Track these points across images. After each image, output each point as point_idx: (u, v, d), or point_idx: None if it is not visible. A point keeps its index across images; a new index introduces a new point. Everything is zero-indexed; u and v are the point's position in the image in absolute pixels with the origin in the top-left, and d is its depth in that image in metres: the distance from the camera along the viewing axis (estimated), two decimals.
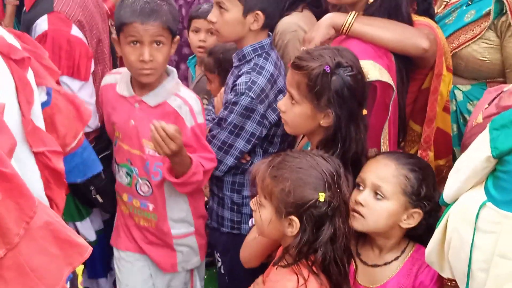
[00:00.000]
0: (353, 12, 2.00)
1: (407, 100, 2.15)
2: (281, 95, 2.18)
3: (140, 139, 2.18)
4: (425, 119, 2.14)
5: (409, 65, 2.09)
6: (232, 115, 2.18)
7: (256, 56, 2.23)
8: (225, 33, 2.24)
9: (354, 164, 1.79)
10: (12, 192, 1.11)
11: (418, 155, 2.15)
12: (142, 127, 2.15)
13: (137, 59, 2.06)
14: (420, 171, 1.77)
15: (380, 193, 1.72)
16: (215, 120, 2.29)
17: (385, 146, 2.01)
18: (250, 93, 2.15)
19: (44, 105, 1.57)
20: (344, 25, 2.00)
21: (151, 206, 2.25)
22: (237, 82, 2.20)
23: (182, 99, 2.17)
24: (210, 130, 2.29)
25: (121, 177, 2.29)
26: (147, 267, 2.36)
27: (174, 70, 2.23)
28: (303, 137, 2.09)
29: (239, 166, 2.28)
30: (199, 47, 2.96)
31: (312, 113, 1.78)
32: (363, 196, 1.73)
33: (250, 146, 2.22)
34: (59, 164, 1.56)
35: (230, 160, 2.23)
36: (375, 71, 1.90)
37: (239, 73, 2.24)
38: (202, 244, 2.37)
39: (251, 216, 2.17)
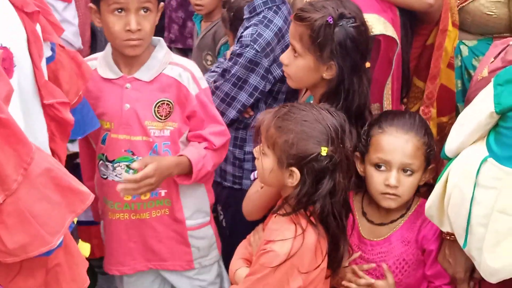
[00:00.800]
0: None
1: (411, 56, 2.13)
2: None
3: (142, 122, 1.93)
4: (429, 75, 2.12)
5: (413, 20, 2.06)
6: (236, 66, 2.16)
7: (266, 9, 2.20)
8: None
9: (357, 117, 1.78)
10: (9, 138, 1.10)
11: (421, 111, 2.13)
12: (141, 108, 1.93)
13: (123, 28, 1.84)
14: (428, 128, 1.77)
15: (409, 169, 1.70)
16: (220, 72, 2.27)
17: (387, 101, 2.00)
18: (255, 46, 2.13)
19: (48, 60, 1.55)
20: None
21: (163, 192, 2.00)
22: (243, 33, 2.18)
23: (180, 66, 1.97)
24: (214, 81, 2.27)
25: (118, 176, 1.99)
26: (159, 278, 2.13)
27: (161, 38, 2.02)
28: (306, 90, 2.08)
29: (241, 120, 2.28)
30: (196, 4, 2.94)
31: (315, 66, 1.77)
32: (395, 178, 1.68)
33: (252, 100, 2.21)
34: (68, 115, 1.55)
35: (232, 113, 2.22)
36: (379, 25, 1.88)
37: (248, 25, 2.21)
38: (219, 234, 2.19)
39: (252, 171, 2.18)
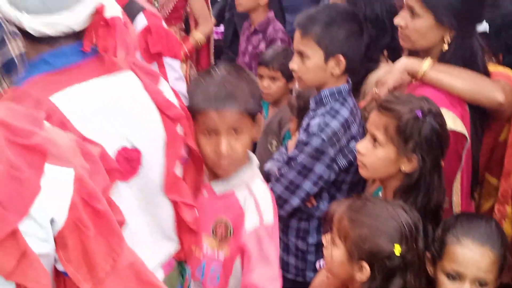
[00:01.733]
0: (429, 59, 1.99)
1: (483, 151, 2.09)
2: (353, 141, 2.17)
3: (199, 233, 1.80)
4: (503, 173, 2.06)
5: (484, 116, 2.04)
6: (302, 155, 2.18)
7: (333, 101, 2.23)
8: (307, 79, 2.25)
9: (432, 215, 1.76)
10: (103, 229, 1.16)
11: (495, 210, 2.07)
12: (204, 218, 1.79)
13: (213, 150, 1.73)
14: (504, 238, 1.73)
15: (483, 282, 1.65)
16: (285, 160, 2.29)
17: (457, 196, 1.97)
18: (322, 135, 2.15)
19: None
20: (419, 71, 1.98)
21: None
22: (311, 123, 2.21)
23: (249, 190, 1.81)
24: (279, 169, 2.29)
25: None
26: None
27: (253, 156, 1.89)
28: (373, 181, 2.07)
29: (304, 211, 2.27)
30: (263, 93, 3.04)
31: (396, 157, 1.78)
32: None
33: (316, 189, 2.20)
34: (187, 217, 1.68)
35: (295, 201, 2.22)
36: (448, 119, 1.87)
37: (314, 116, 2.24)
38: None
39: (316, 263, 2.15)
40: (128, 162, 1.49)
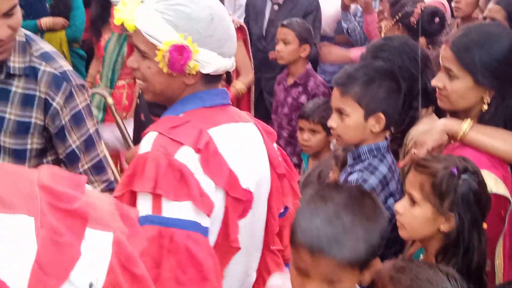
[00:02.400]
0: (469, 120, 1.98)
1: None
2: (391, 198, 2.16)
3: None
4: None
5: None
6: None
7: (372, 157, 2.23)
8: (346, 137, 2.26)
9: (476, 278, 1.73)
10: None
11: None
12: None
13: None
14: None
15: None
16: None
17: (499, 259, 1.93)
18: None
19: (280, 215, 1.86)
20: (458, 132, 1.97)
21: None
22: (349, 179, 2.21)
23: None
24: None
25: None
26: None
27: None
28: (412, 243, 2.05)
29: None
30: (303, 145, 3.06)
31: (433, 216, 1.76)
32: None
33: None
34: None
35: None
36: (490, 182, 1.85)
37: (352, 171, 2.25)
38: None
39: None
40: (243, 203, 1.63)
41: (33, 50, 1.99)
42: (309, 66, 3.90)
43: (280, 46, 3.82)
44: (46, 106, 1.98)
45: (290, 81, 3.91)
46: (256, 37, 4.49)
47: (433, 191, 1.75)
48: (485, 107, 1.97)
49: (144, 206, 1.51)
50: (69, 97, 2.01)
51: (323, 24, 4.45)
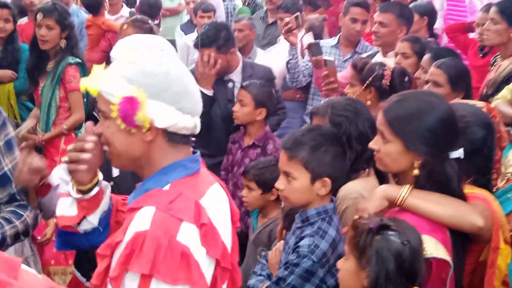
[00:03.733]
0: (407, 185, 2.07)
1: (465, 272, 2.15)
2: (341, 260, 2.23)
3: None
4: None
5: (465, 239, 2.11)
6: (292, 276, 2.24)
7: (320, 220, 2.31)
8: (293, 199, 2.35)
9: None
10: None
11: None
12: None
13: None
14: None
15: None
16: (274, 279, 2.35)
17: None
18: (313, 256, 2.22)
19: None
20: (398, 198, 2.05)
21: None
22: (300, 244, 2.28)
23: None
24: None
25: None
26: None
27: None
28: None
29: None
30: (244, 201, 3.16)
31: (356, 270, 1.86)
32: None
33: None
34: None
35: None
36: (430, 246, 1.94)
37: (302, 235, 2.32)
38: None
39: None
40: (229, 271, 1.68)
41: None
42: (268, 128, 3.90)
43: (236, 107, 3.84)
44: None
45: (248, 141, 3.87)
46: None
47: (354, 244, 1.86)
48: (416, 171, 2.06)
49: (131, 285, 1.49)
50: (3, 125, 2.23)
51: None
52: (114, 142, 1.65)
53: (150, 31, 4.29)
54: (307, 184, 2.30)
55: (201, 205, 1.58)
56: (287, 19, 4.19)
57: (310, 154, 2.30)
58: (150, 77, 1.59)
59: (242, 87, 3.88)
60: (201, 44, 3.92)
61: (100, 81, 1.62)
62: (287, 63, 4.46)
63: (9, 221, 2.21)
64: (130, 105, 1.56)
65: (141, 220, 1.52)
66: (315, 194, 2.31)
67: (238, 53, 4.26)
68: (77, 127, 4.15)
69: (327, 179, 2.29)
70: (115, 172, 2.26)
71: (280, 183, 2.35)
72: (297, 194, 2.32)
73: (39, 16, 4.13)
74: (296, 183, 2.31)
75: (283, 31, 4.27)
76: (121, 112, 1.57)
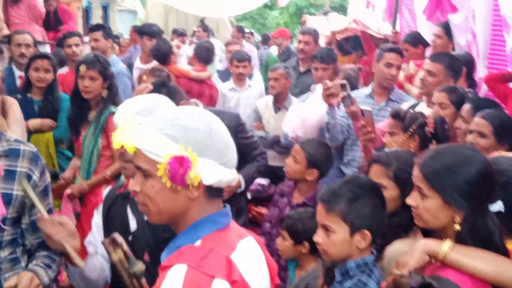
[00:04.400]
0: (448, 240, 2.04)
1: None
2: None
3: None
4: None
5: None
6: None
7: (360, 273, 2.28)
8: (332, 253, 2.32)
9: None
10: None
11: None
12: None
13: None
14: None
15: None
16: None
17: None
18: None
19: None
20: (439, 253, 2.03)
21: None
22: None
23: None
24: None
25: None
26: None
27: None
28: None
29: None
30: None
31: None
32: None
33: None
34: None
35: None
36: None
37: None
38: None
39: None
40: None
41: (7, 137, 2.38)
42: (319, 186, 3.75)
43: (289, 161, 3.77)
44: (28, 178, 2.33)
45: (298, 198, 3.77)
46: None
47: None
48: (457, 227, 2.04)
49: None
50: (42, 173, 2.40)
51: (308, 131, 4.53)
52: (157, 200, 1.63)
53: (168, 78, 4.40)
54: (346, 237, 2.28)
55: (232, 261, 1.57)
56: (329, 84, 4.14)
57: (348, 206, 2.29)
58: (194, 133, 1.60)
59: (300, 143, 3.83)
60: None
61: (138, 139, 1.62)
62: (327, 124, 4.45)
63: (49, 267, 2.31)
64: (180, 165, 1.56)
65: (173, 280, 1.51)
66: (354, 247, 2.28)
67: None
68: (117, 176, 4.19)
69: (366, 232, 2.27)
70: (133, 226, 2.24)
71: (318, 237, 2.33)
72: (336, 247, 2.30)
73: (82, 68, 4.24)
74: (334, 237, 2.29)
75: (323, 94, 4.23)
76: (170, 172, 1.56)
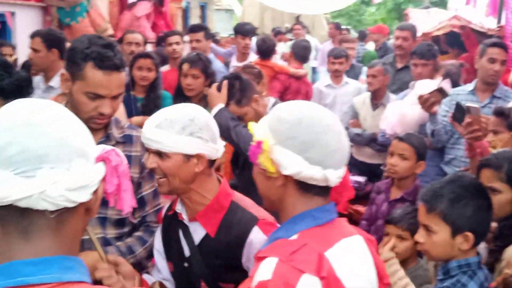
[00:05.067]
0: None
1: None
2: None
3: None
4: None
5: None
6: None
7: (461, 273, 2.22)
8: (434, 253, 2.28)
9: None
10: None
11: None
12: None
13: None
14: None
15: None
16: None
17: None
18: None
19: None
20: None
21: None
22: None
23: None
24: None
25: None
26: None
27: None
28: None
29: None
30: None
31: None
32: None
33: None
34: None
35: None
36: None
37: (441, 287, 2.23)
38: None
39: None
40: None
41: (121, 124, 2.54)
42: (418, 181, 3.75)
43: (395, 160, 3.69)
44: (140, 161, 2.49)
45: (396, 194, 3.73)
46: None
47: None
48: None
49: None
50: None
51: (407, 128, 4.46)
52: (258, 183, 1.75)
53: (259, 75, 4.44)
54: (448, 238, 2.22)
55: (324, 257, 1.57)
56: (426, 95, 4.04)
57: (449, 207, 2.23)
58: (281, 124, 1.65)
59: (400, 139, 3.76)
60: None
61: (257, 125, 1.75)
62: (432, 131, 4.35)
63: (132, 251, 2.47)
64: (256, 148, 1.66)
65: (265, 270, 1.55)
66: (456, 248, 2.23)
67: None
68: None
69: (469, 234, 2.20)
70: (186, 251, 2.26)
71: (420, 236, 2.29)
72: (437, 248, 2.25)
73: (185, 66, 4.37)
74: (436, 237, 2.24)
75: (423, 107, 4.14)
76: (251, 153, 1.68)
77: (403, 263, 3.18)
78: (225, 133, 3.19)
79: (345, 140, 1.70)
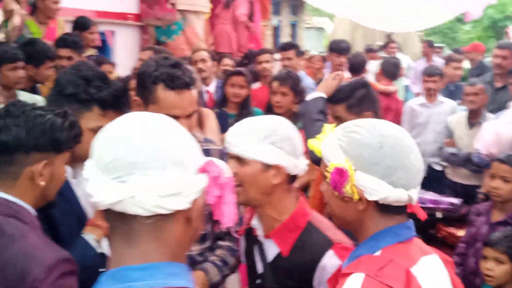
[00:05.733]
0: None
1: None
2: None
3: None
4: None
5: None
6: None
7: None
8: None
9: None
10: None
11: None
12: None
13: None
14: None
15: None
16: None
17: None
18: None
19: None
20: None
21: None
22: None
23: None
24: None
25: None
26: None
27: None
28: None
29: None
30: (486, 275, 2.93)
31: None
32: None
33: None
34: None
35: None
36: None
37: None
38: None
39: None
40: None
41: (197, 138, 2.46)
42: None
43: (496, 183, 3.58)
44: None
45: (497, 216, 3.62)
46: None
47: None
48: None
49: None
50: None
51: (503, 147, 4.29)
52: (330, 204, 1.72)
53: None
54: None
55: (412, 274, 1.53)
56: None
57: None
58: (363, 149, 1.60)
59: (501, 161, 3.63)
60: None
61: (323, 144, 1.71)
62: None
63: (225, 263, 2.50)
64: (339, 176, 1.60)
65: (351, 287, 1.52)
66: None
67: None
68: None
69: None
70: (259, 268, 2.20)
71: None
72: None
73: (275, 84, 4.42)
74: None
75: None
76: (332, 181, 1.62)
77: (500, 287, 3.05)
78: (302, 118, 3.24)
79: (421, 157, 1.68)
